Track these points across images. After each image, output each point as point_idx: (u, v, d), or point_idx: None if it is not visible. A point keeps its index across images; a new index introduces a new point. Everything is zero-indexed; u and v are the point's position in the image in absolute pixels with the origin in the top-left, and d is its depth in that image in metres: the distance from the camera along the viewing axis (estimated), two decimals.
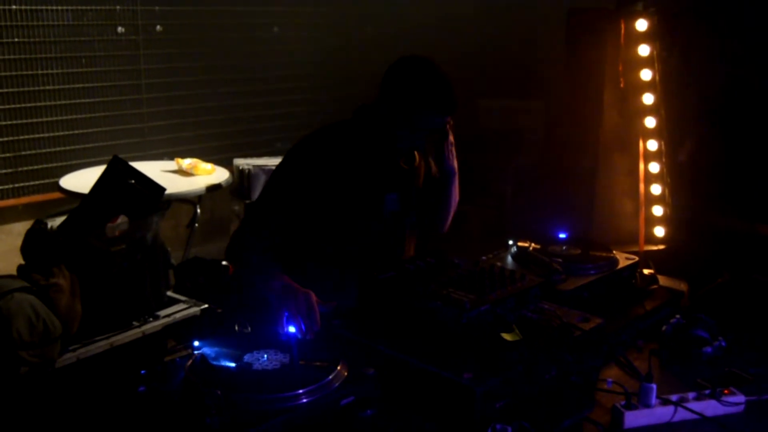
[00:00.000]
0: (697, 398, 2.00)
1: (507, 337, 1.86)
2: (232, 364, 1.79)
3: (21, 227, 4.86)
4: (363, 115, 2.43)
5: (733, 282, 2.62)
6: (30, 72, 4.92)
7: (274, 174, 2.41)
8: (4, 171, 4.90)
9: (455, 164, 2.59)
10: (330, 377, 1.69)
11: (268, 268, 2.20)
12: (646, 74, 3.51)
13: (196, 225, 4.61)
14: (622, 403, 1.96)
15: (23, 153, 4.97)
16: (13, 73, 4.83)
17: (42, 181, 5.05)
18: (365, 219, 2.42)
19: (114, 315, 2.34)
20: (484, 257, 2.51)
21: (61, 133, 5.12)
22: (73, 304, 2.23)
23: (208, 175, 4.65)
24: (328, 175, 2.34)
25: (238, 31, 5.98)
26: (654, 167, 3.59)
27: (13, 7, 4.78)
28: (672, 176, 3.63)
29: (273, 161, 4.73)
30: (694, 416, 1.97)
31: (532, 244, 2.60)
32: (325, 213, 2.36)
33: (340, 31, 6.42)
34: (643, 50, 3.50)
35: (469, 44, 6.45)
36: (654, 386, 1.96)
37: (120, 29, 5.34)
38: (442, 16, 6.57)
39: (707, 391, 2.02)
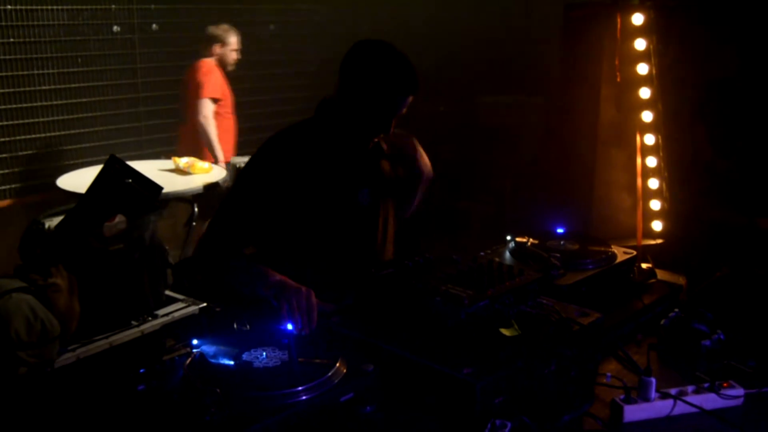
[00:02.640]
0: (696, 392, 2.00)
1: (506, 332, 1.86)
2: (231, 363, 1.79)
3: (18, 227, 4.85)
4: (326, 110, 2.39)
5: (732, 276, 2.62)
6: (26, 72, 4.92)
7: (239, 177, 2.38)
8: (0, 171, 4.89)
9: (424, 168, 2.58)
10: (329, 374, 1.69)
11: (258, 266, 2.19)
12: (642, 68, 3.51)
13: (194, 223, 4.62)
14: (622, 397, 1.96)
15: (20, 153, 4.97)
16: (9, 73, 4.83)
17: (39, 181, 5.05)
18: (336, 217, 2.38)
19: (112, 314, 2.34)
20: (482, 253, 2.51)
21: (58, 133, 5.12)
22: (71, 304, 2.23)
23: (205, 173, 4.65)
24: (294, 176, 2.31)
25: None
26: (651, 161, 3.59)
27: (8, 7, 4.77)
28: (669, 170, 3.63)
29: None
30: (694, 409, 1.97)
31: (530, 240, 2.59)
32: (294, 214, 2.33)
33: (337, 28, 6.41)
34: (640, 44, 3.50)
35: (466, 41, 6.45)
36: (653, 380, 1.96)
37: (116, 28, 5.34)
38: (440, 13, 6.57)
39: (706, 385, 2.02)
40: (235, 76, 5.99)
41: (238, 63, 6.02)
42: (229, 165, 5.02)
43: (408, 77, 2.23)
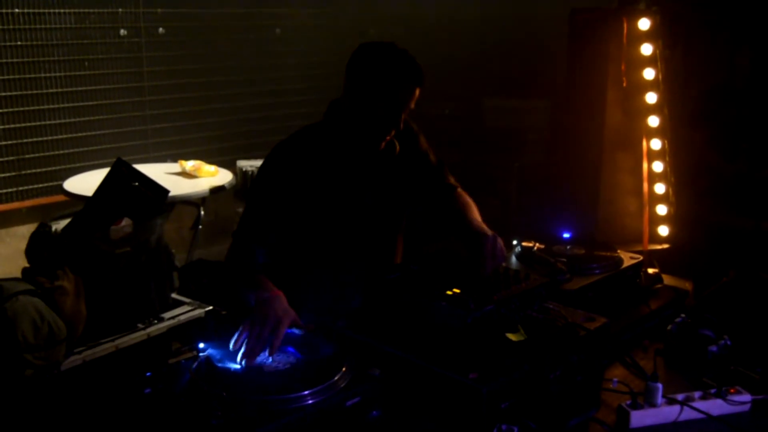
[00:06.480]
0: (703, 397, 2.00)
1: (512, 337, 1.86)
2: (237, 366, 1.79)
3: (25, 230, 4.87)
4: (335, 111, 2.41)
5: (739, 280, 2.61)
6: (33, 75, 4.92)
7: (253, 184, 2.43)
8: (8, 174, 4.91)
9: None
10: (336, 378, 1.69)
11: (261, 276, 2.18)
12: (648, 73, 3.50)
13: (200, 227, 4.62)
14: (628, 402, 1.95)
15: (27, 156, 4.97)
16: (16, 76, 4.84)
17: (46, 184, 5.06)
18: (341, 219, 2.41)
19: (119, 317, 2.34)
20: None
21: (65, 136, 5.13)
22: (78, 307, 2.23)
23: (211, 177, 4.65)
24: (302, 180, 2.34)
25: (241, 33, 5.98)
26: (657, 166, 3.58)
27: (16, 10, 4.79)
28: (676, 175, 3.63)
29: None
30: (700, 415, 1.96)
31: (537, 244, 2.59)
32: (303, 217, 2.36)
33: (343, 32, 6.41)
34: (646, 49, 3.49)
35: (473, 44, 6.45)
36: (660, 386, 1.95)
37: (122, 32, 5.35)
38: (446, 16, 6.57)
39: (713, 390, 2.02)
40: (240, 80, 6.01)
41: (244, 67, 6.04)
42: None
43: (411, 69, 2.26)
